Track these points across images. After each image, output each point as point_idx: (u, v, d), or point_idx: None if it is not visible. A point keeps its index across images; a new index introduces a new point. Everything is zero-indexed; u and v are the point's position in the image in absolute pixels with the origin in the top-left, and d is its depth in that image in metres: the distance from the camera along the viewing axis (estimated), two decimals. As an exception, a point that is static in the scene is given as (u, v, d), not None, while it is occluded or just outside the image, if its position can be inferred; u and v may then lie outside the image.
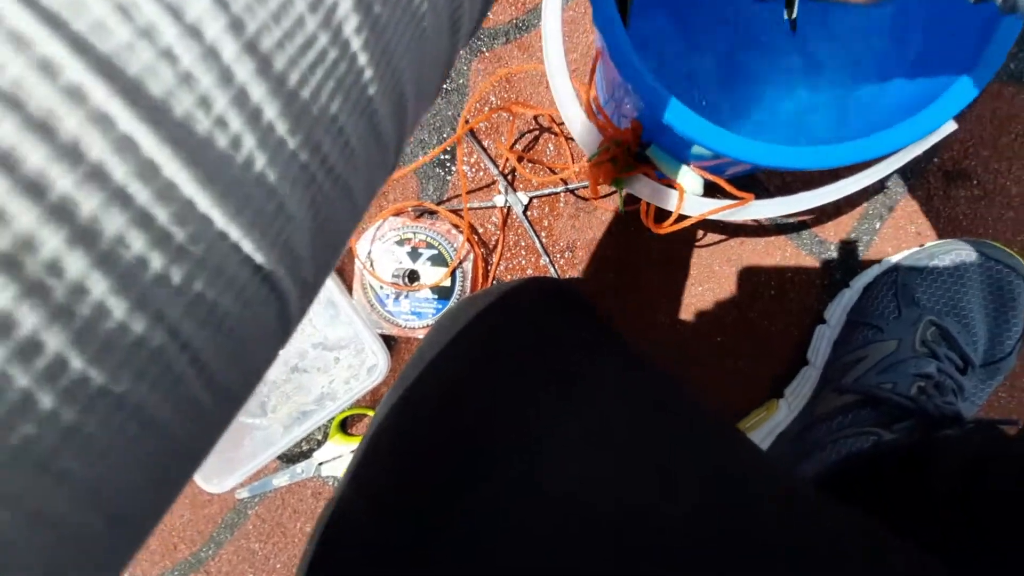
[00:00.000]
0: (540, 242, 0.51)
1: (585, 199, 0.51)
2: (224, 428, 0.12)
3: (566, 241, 0.51)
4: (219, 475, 0.48)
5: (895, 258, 0.46)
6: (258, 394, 0.51)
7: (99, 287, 0.08)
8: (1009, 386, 0.49)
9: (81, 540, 0.09)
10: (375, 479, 0.26)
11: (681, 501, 0.23)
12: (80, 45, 0.07)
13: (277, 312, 0.11)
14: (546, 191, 0.50)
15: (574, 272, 0.51)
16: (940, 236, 0.48)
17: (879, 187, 0.49)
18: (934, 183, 0.48)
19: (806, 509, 0.24)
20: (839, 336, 0.47)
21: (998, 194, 0.48)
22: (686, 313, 0.51)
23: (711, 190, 0.38)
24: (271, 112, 0.09)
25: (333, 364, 0.48)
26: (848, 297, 0.47)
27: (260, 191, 0.09)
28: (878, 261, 0.48)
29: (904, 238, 0.49)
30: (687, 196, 0.37)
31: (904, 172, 0.48)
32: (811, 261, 0.50)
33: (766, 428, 0.46)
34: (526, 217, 0.51)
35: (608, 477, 0.24)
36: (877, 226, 0.49)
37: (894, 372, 0.41)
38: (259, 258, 0.10)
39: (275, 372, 0.50)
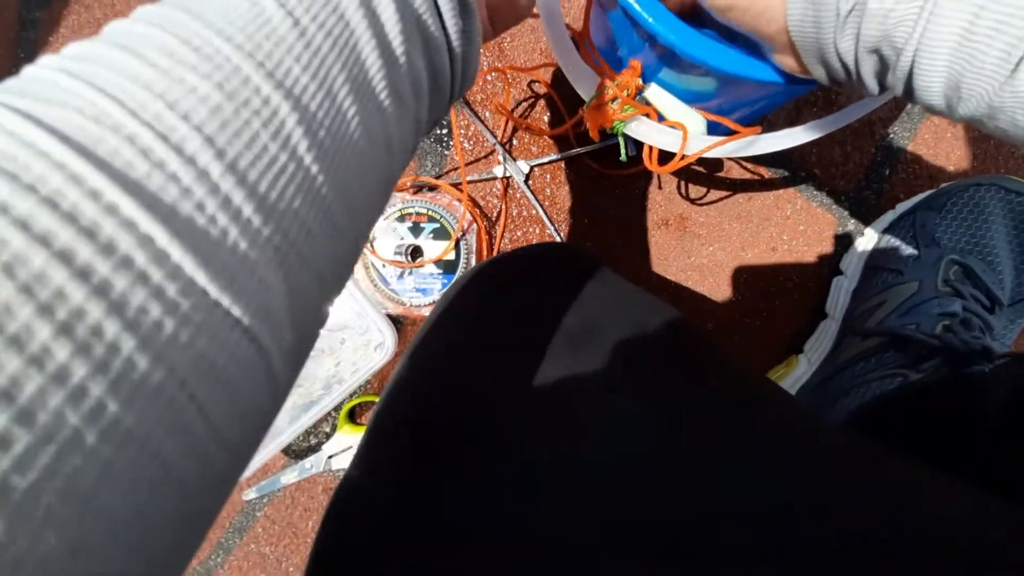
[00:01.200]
0: (543, 210, 0.50)
1: (588, 166, 0.50)
2: (232, 483, 0.13)
3: (570, 208, 0.50)
4: (224, 467, 0.46)
5: (911, 201, 0.45)
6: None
7: (127, 345, 0.10)
8: (1039, 330, 0.47)
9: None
10: (388, 458, 0.24)
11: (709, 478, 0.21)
12: (114, 175, 0.10)
13: (264, 369, 0.13)
14: (546, 159, 0.49)
15: (580, 239, 0.50)
16: (952, 179, 0.47)
17: (884, 132, 0.48)
18: (940, 123, 0.47)
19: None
20: (857, 285, 0.45)
21: (1008, 132, 0.47)
22: (698, 273, 0.49)
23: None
24: (248, 210, 0.12)
25: (339, 346, 0.47)
26: (863, 245, 0.46)
27: (244, 269, 0.12)
28: (892, 208, 0.47)
29: (915, 183, 0.48)
30: (690, 137, 0.36)
31: (909, 114, 0.47)
32: (822, 212, 0.48)
33: (786, 384, 0.45)
34: (528, 186, 0.50)
35: (641, 454, 0.23)
36: (886, 173, 0.48)
37: (917, 313, 0.40)
38: (245, 320, 0.12)
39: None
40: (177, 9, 0.13)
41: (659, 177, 0.49)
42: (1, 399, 0.08)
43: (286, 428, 0.47)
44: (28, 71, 0.12)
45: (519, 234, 0.51)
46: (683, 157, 0.36)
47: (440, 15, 0.18)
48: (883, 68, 0.20)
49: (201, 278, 0.11)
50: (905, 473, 0.21)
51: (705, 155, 0.37)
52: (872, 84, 0.22)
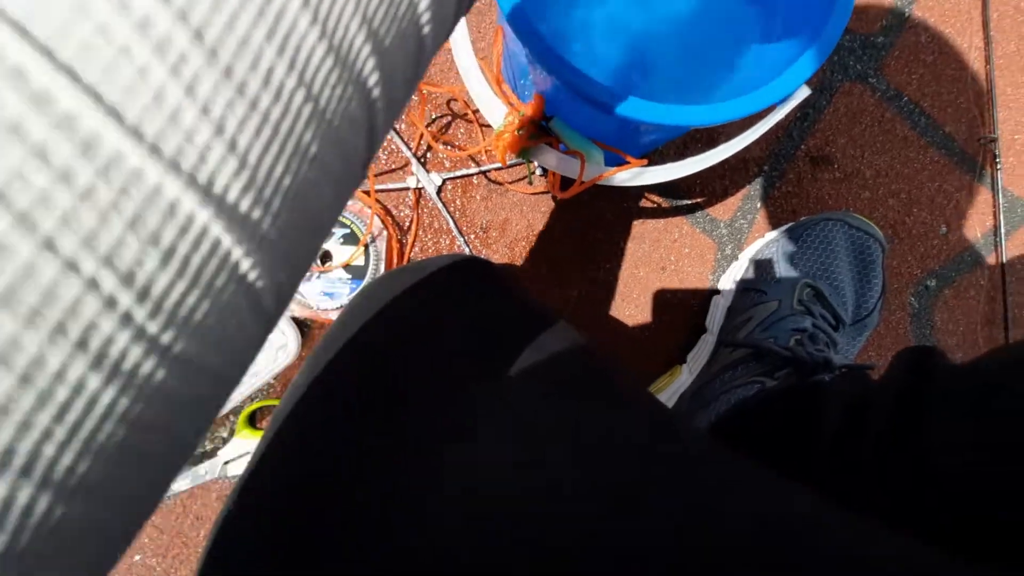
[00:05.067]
0: (454, 222, 0.52)
1: (499, 183, 0.52)
2: (200, 414, 0.12)
3: (480, 222, 0.52)
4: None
5: (775, 232, 0.52)
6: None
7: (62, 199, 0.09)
8: (877, 346, 0.56)
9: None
10: (269, 492, 0.23)
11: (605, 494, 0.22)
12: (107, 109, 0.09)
13: (215, 254, 0.11)
14: (459, 173, 0.51)
15: (488, 252, 0.53)
16: (810, 212, 0.55)
17: (758, 171, 0.54)
18: (803, 167, 0.55)
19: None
20: (731, 303, 0.51)
21: (855, 177, 0.55)
22: (596, 288, 0.53)
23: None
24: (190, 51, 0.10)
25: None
26: (738, 268, 0.52)
27: (176, 128, 0.10)
28: (761, 236, 0.53)
29: (781, 215, 0.54)
30: (588, 165, 0.39)
31: (777, 157, 0.54)
32: (704, 237, 0.54)
33: (670, 391, 0.49)
34: (440, 198, 0.51)
35: (538, 468, 0.23)
36: (758, 205, 0.54)
37: (775, 328, 0.45)
38: (178, 189, 0.10)
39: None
40: None
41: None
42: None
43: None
44: None
45: (430, 244, 0.52)
46: (581, 183, 0.39)
47: None
48: None
49: (128, 144, 0.09)
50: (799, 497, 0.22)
51: (601, 183, 0.40)
52: None
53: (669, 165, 0.39)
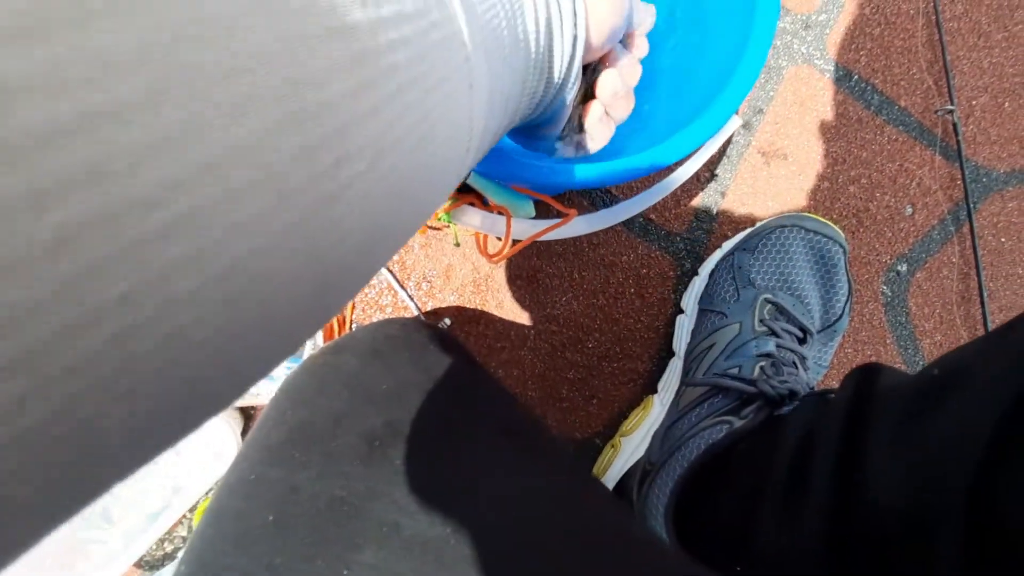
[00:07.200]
0: (394, 277, 0.48)
1: (436, 228, 0.49)
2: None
3: (421, 272, 0.49)
4: (55, 610, 0.41)
5: (731, 242, 0.49)
6: (98, 503, 0.45)
7: None
8: (853, 341, 0.54)
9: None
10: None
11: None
12: None
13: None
14: (390, 225, 0.48)
15: (435, 302, 0.49)
16: (769, 213, 0.52)
17: (710, 175, 0.51)
18: (756, 164, 0.51)
19: None
20: (695, 325, 0.48)
21: (811, 168, 0.52)
22: (555, 323, 0.50)
23: (546, 209, 0.37)
24: None
25: (175, 454, 0.43)
26: (698, 285, 0.49)
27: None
28: (719, 246, 0.50)
29: (739, 220, 0.51)
30: (516, 220, 0.36)
31: (729, 159, 0.51)
32: (660, 255, 0.51)
33: (643, 428, 0.47)
34: (373, 255, 0.48)
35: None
36: (714, 212, 0.51)
37: (739, 355, 0.43)
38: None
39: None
40: None
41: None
42: None
43: (124, 551, 0.43)
44: None
45: (372, 304, 0.49)
46: (514, 243, 0.36)
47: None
48: None
49: None
50: None
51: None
52: None
53: (602, 212, 0.36)
